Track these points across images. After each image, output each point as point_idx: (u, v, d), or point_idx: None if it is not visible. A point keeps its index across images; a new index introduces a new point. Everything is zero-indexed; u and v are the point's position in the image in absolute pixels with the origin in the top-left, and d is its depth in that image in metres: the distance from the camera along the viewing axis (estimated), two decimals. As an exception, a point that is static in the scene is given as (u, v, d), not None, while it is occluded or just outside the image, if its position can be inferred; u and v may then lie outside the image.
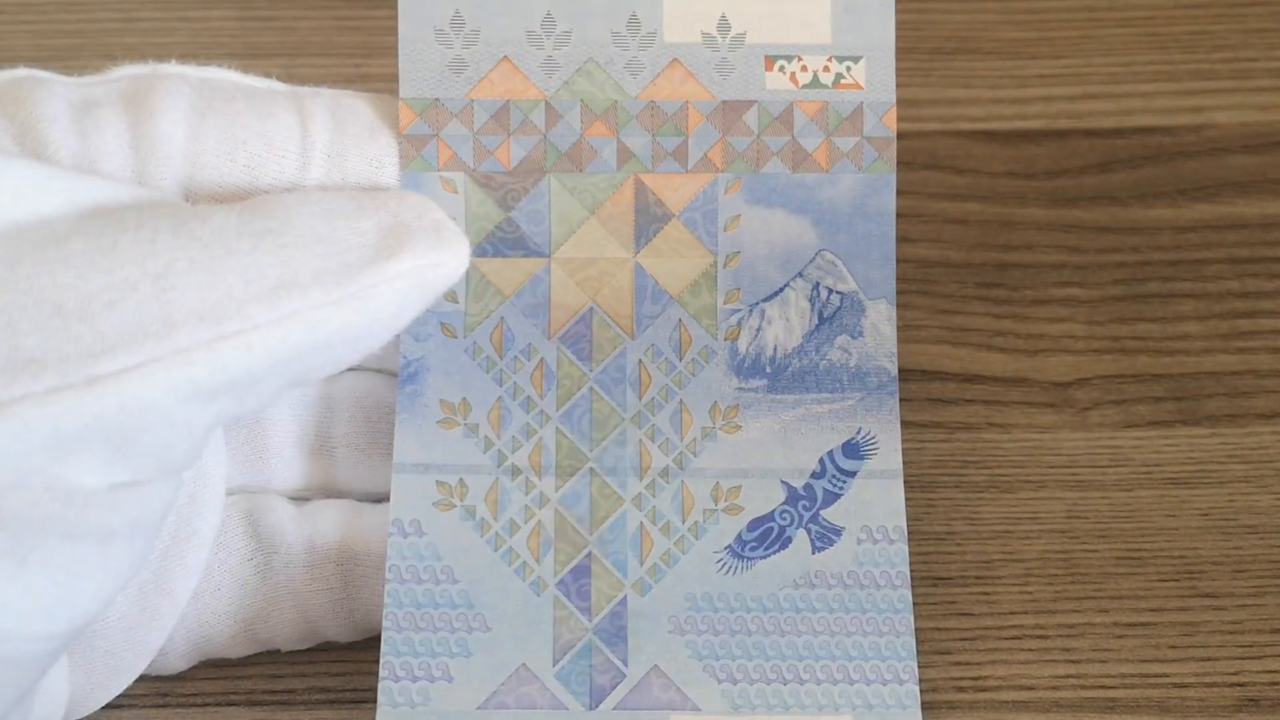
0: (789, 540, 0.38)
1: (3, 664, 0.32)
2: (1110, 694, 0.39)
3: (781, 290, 0.39)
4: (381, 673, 0.37)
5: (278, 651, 0.40)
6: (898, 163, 0.40)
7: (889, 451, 0.39)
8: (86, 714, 0.38)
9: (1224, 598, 0.41)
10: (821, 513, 0.38)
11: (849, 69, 0.39)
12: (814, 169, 0.39)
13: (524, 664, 0.37)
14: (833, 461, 0.39)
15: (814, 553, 0.38)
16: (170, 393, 0.33)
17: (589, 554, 0.38)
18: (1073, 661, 0.40)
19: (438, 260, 0.35)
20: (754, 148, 0.39)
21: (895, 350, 0.39)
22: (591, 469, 0.38)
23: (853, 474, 0.39)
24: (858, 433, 0.39)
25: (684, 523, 0.38)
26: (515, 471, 0.38)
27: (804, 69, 0.39)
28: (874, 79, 0.39)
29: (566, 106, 0.39)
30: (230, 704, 0.39)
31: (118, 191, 0.35)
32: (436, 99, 0.39)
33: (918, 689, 0.37)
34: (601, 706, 0.37)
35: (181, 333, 0.33)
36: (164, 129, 0.36)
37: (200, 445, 0.34)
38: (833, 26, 0.39)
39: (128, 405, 0.32)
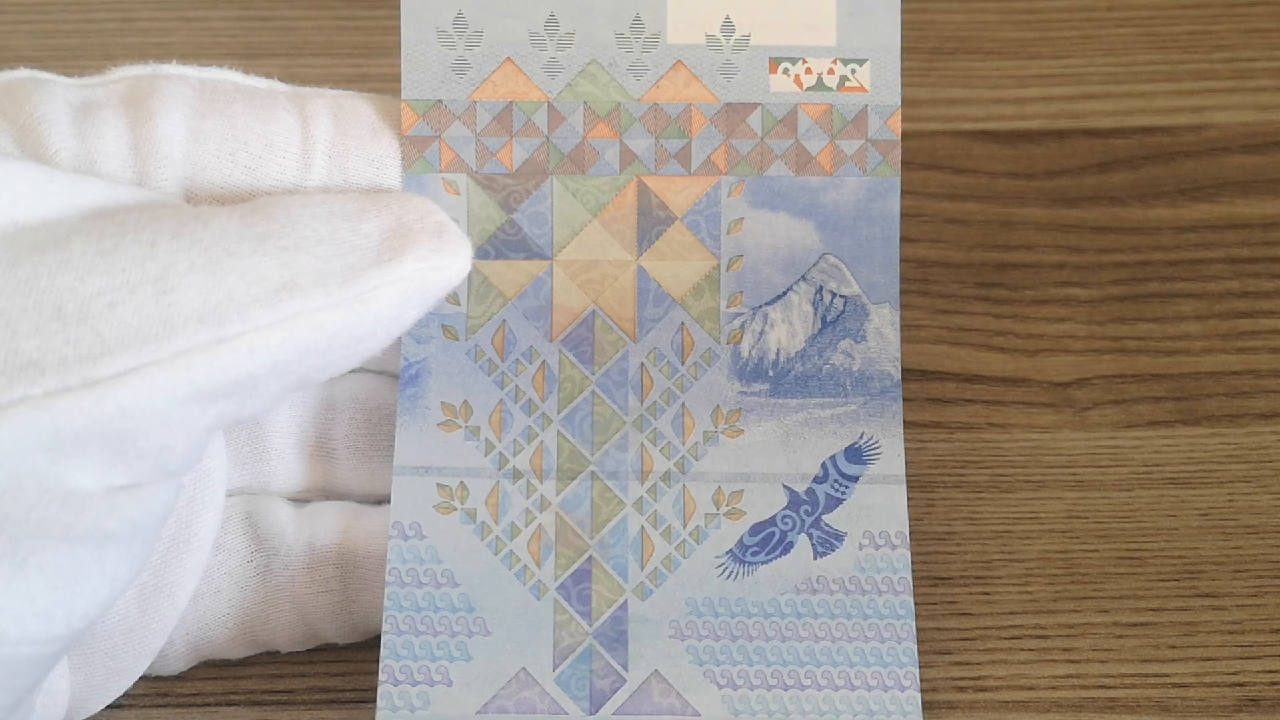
0: (790, 545, 0.38)
1: (1, 667, 0.32)
2: (1110, 694, 0.39)
3: (785, 294, 0.40)
4: (381, 676, 0.37)
5: (278, 652, 0.40)
6: (897, 163, 0.40)
7: (892, 456, 0.39)
8: (86, 717, 0.38)
9: (1224, 598, 0.41)
10: (823, 518, 0.39)
11: (854, 71, 0.39)
12: (818, 172, 0.39)
13: (524, 668, 0.37)
14: (835, 466, 0.39)
15: (815, 558, 0.38)
16: (169, 396, 0.33)
17: (590, 558, 0.38)
18: (1073, 661, 0.40)
19: (440, 263, 0.35)
20: (758, 151, 0.39)
21: (899, 355, 0.39)
22: (593, 472, 0.38)
23: (855, 479, 0.39)
24: (860, 437, 0.39)
25: (685, 527, 0.38)
26: (516, 475, 0.38)
27: (808, 71, 0.39)
28: (879, 81, 0.39)
29: (569, 108, 0.39)
30: (230, 704, 0.39)
31: (118, 193, 0.35)
32: (439, 100, 0.39)
33: (919, 695, 0.37)
34: (601, 711, 0.37)
35: (181, 335, 0.33)
36: (164, 130, 0.36)
37: (200, 448, 0.34)
38: (838, 29, 0.39)
39: (126, 408, 0.32)
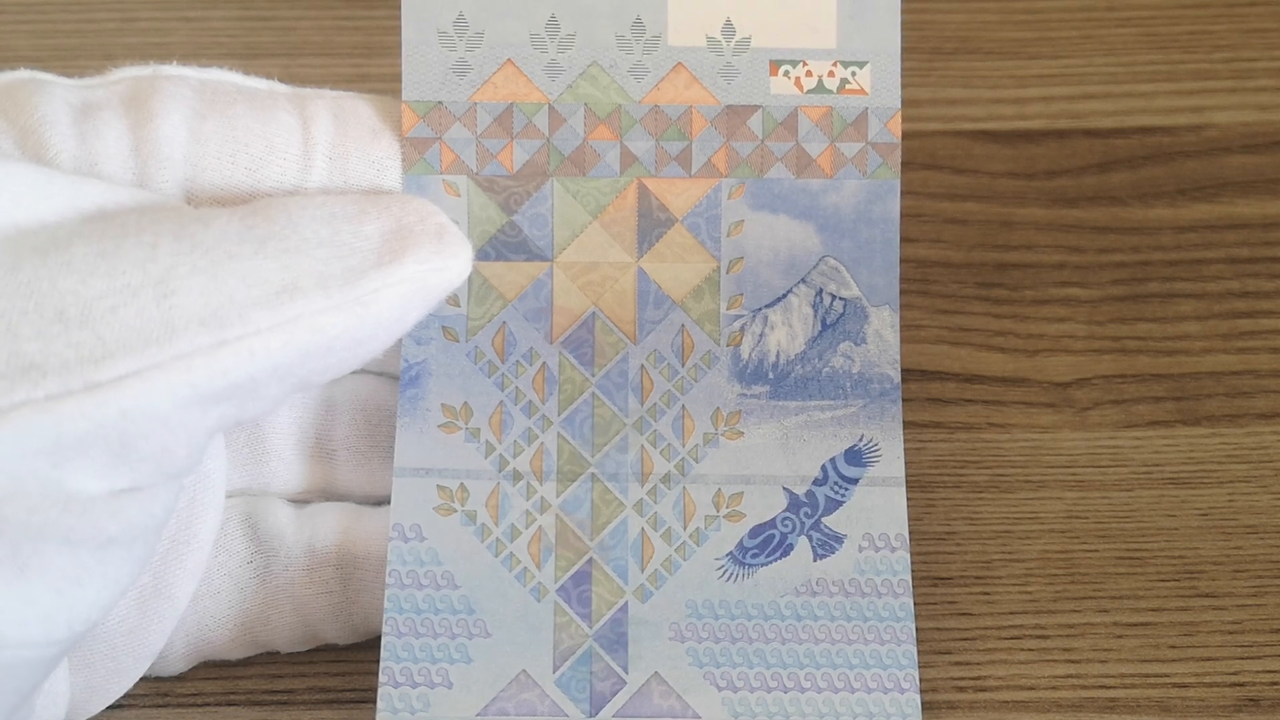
0: (790, 548, 0.38)
1: (1, 670, 0.32)
2: (1110, 694, 0.39)
3: (785, 296, 0.40)
4: (381, 678, 0.37)
5: (277, 652, 0.40)
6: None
7: (891, 459, 0.39)
8: (87, 718, 0.38)
9: (1224, 598, 0.41)
10: (823, 520, 0.39)
11: (854, 74, 0.39)
12: (818, 174, 0.39)
13: (524, 670, 0.37)
14: (835, 468, 0.39)
15: (815, 560, 0.38)
16: (170, 399, 0.33)
17: (590, 560, 0.38)
18: (1073, 661, 0.40)
19: (441, 265, 0.35)
20: (758, 153, 0.39)
21: (898, 357, 0.40)
22: (593, 474, 0.38)
23: (855, 481, 0.39)
24: (860, 440, 0.39)
25: (685, 529, 0.38)
26: (516, 476, 0.38)
27: (809, 74, 0.39)
28: (879, 84, 0.39)
29: (570, 110, 0.39)
30: (230, 704, 0.39)
31: (118, 195, 0.35)
32: (439, 102, 0.39)
33: (919, 698, 0.37)
34: (602, 713, 0.37)
35: (183, 338, 0.33)
36: (165, 131, 0.36)
37: (201, 451, 0.34)
38: (838, 31, 0.39)
39: (128, 411, 0.32)
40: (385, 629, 0.37)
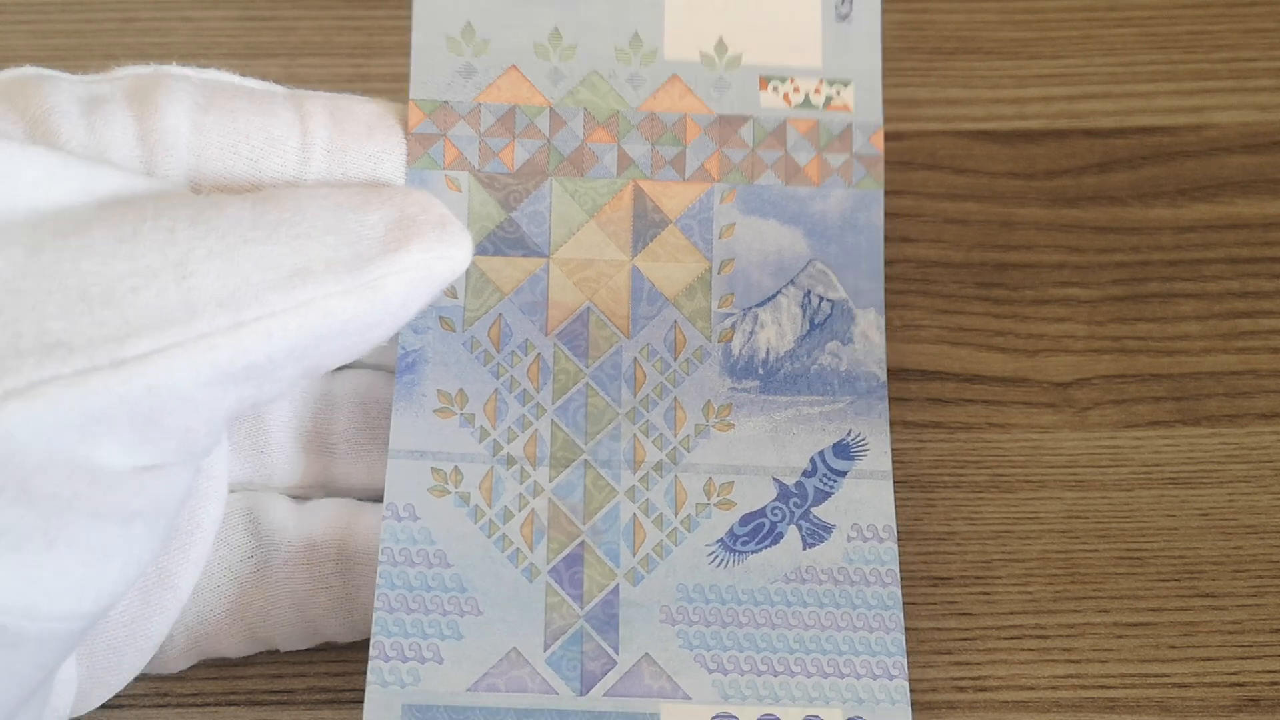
0: (780, 535, 0.39)
1: (32, 642, 0.33)
2: (1110, 694, 0.40)
3: (774, 296, 0.41)
4: (371, 652, 0.38)
5: (277, 651, 0.40)
6: (898, 163, 0.40)
7: (879, 453, 0.40)
8: (87, 711, 0.39)
9: (1224, 598, 0.42)
10: (812, 510, 0.39)
11: (839, 92, 0.41)
12: (805, 183, 0.41)
13: (515, 648, 0.38)
14: (823, 461, 0.40)
15: (805, 548, 0.39)
16: (193, 376, 0.34)
17: (581, 543, 0.39)
18: (1073, 661, 0.41)
19: (444, 253, 0.36)
20: (749, 160, 0.41)
21: (884, 357, 0.41)
22: (586, 461, 0.39)
23: (843, 473, 0.40)
24: (848, 434, 0.40)
25: (676, 515, 0.39)
26: (510, 461, 0.39)
27: (796, 90, 0.41)
28: (862, 102, 0.41)
29: (570, 113, 0.40)
30: (230, 704, 0.40)
31: (132, 181, 0.36)
32: (445, 101, 0.40)
33: (907, 684, 0.38)
34: (592, 692, 0.38)
35: (203, 319, 0.34)
36: (169, 122, 0.38)
37: (219, 431, 0.35)
38: (823, 52, 0.41)
39: (154, 388, 0.33)
40: (377, 604, 0.38)
